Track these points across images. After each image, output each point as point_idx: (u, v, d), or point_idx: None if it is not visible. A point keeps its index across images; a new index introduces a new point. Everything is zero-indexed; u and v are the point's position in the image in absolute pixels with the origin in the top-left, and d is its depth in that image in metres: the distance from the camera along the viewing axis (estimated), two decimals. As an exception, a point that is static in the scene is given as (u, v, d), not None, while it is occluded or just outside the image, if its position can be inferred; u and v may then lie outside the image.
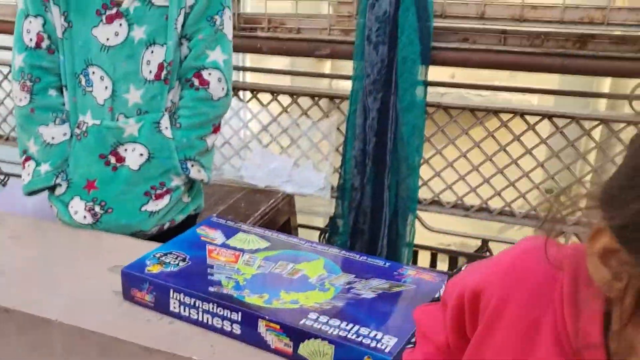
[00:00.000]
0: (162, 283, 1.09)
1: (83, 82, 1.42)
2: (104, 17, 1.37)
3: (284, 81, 2.59)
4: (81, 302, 1.15)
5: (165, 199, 1.45)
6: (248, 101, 2.37)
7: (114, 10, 1.36)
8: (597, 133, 2.16)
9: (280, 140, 2.45)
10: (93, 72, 1.40)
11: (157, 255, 1.18)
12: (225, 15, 1.46)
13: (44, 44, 1.42)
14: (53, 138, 1.45)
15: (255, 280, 1.11)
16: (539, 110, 2.05)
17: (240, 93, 2.39)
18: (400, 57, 1.91)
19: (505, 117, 2.09)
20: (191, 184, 1.53)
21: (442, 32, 1.98)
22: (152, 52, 1.39)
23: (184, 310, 1.07)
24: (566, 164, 2.05)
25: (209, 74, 1.44)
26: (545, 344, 0.57)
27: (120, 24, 1.37)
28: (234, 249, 1.23)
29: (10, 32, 1.51)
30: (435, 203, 2.27)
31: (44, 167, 1.44)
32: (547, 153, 2.11)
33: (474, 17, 1.96)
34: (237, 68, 2.46)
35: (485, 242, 2.34)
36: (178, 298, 1.07)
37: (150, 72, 1.40)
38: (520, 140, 2.07)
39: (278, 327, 0.97)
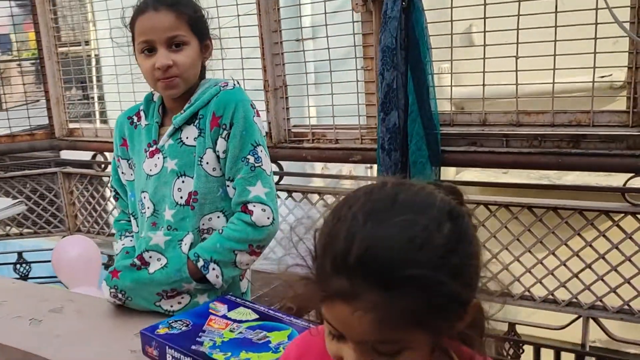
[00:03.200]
0: (162, 341, 1.41)
1: (139, 207, 1.75)
2: (147, 153, 1.71)
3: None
4: (108, 357, 1.52)
5: (177, 300, 1.67)
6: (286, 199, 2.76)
7: (154, 147, 1.70)
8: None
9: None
10: (144, 197, 1.73)
11: (170, 322, 1.52)
12: (259, 153, 1.63)
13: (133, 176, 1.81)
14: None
15: (229, 342, 1.40)
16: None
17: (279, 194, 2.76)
18: (411, 161, 2.19)
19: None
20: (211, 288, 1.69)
21: (453, 138, 2.25)
22: (182, 181, 1.65)
23: (176, 363, 1.38)
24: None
25: (254, 205, 1.61)
26: None
27: (159, 157, 1.69)
28: (229, 319, 1.53)
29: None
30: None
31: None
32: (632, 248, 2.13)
33: (477, 124, 2.21)
34: (282, 174, 2.84)
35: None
36: (171, 353, 1.39)
37: (182, 197, 1.64)
38: (606, 236, 2.15)
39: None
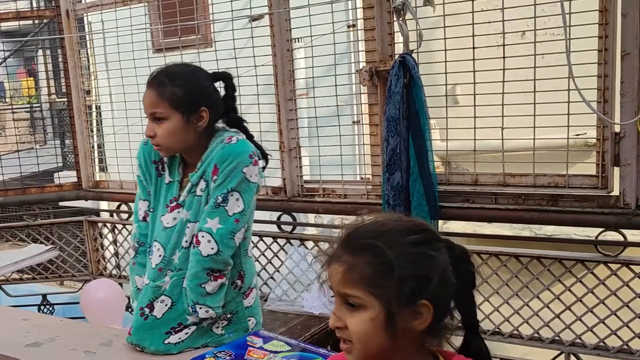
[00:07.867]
0: (212, 368, 1.65)
1: (149, 252, 1.96)
2: (169, 208, 1.92)
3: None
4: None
5: (184, 332, 1.87)
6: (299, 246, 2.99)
7: (174, 203, 1.91)
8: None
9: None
10: (155, 245, 1.93)
11: (215, 352, 1.76)
12: (230, 197, 1.81)
13: (149, 219, 2.01)
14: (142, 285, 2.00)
15: (271, 368, 1.64)
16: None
17: (306, 243, 3.01)
18: (413, 215, 2.46)
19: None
20: (229, 319, 1.92)
21: (449, 195, 2.53)
22: (190, 227, 1.87)
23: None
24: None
25: (202, 236, 1.82)
26: None
27: (178, 211, 1.90)
28: (265, 350, 1.77)
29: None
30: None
31: (134, 305, 2.00)
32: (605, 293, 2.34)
33: (470, 184, 2.50)
34: (295, 224, 3.08)
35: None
36: (221, 378, 1.63)
37: (186, 241, 1.87)
38: (582, 282, 2.40)
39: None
